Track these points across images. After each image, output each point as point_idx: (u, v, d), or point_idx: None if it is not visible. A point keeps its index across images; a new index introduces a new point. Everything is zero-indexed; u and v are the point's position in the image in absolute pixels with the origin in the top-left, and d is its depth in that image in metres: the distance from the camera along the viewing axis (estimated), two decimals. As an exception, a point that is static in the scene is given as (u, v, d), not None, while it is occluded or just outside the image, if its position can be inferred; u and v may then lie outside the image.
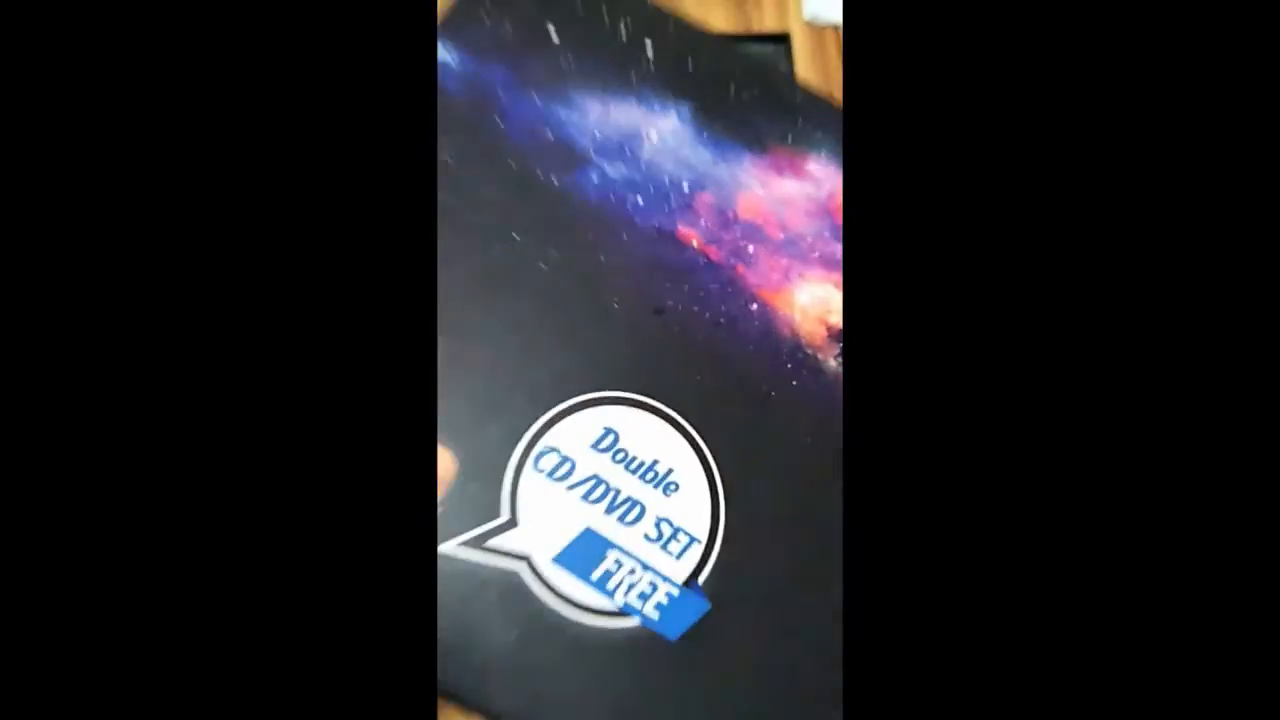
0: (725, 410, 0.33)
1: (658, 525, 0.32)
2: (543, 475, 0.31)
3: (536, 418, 0.32)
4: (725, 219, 0.36)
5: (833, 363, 0.35)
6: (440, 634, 0.29)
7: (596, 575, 0.31)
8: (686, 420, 0.33)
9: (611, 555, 0.31)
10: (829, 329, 0.35)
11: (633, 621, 0.31)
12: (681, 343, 0.34)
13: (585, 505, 0.32)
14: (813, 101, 0.39)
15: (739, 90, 0.37)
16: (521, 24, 0.36)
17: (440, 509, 0.30)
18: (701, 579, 0.32)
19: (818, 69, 0.49)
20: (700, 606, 0.31)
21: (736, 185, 0.36)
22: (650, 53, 0.37)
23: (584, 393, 0.33)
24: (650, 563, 0.32)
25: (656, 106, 0.36)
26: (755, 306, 0.35)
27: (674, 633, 0.31)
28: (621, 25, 0.37)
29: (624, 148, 0.36)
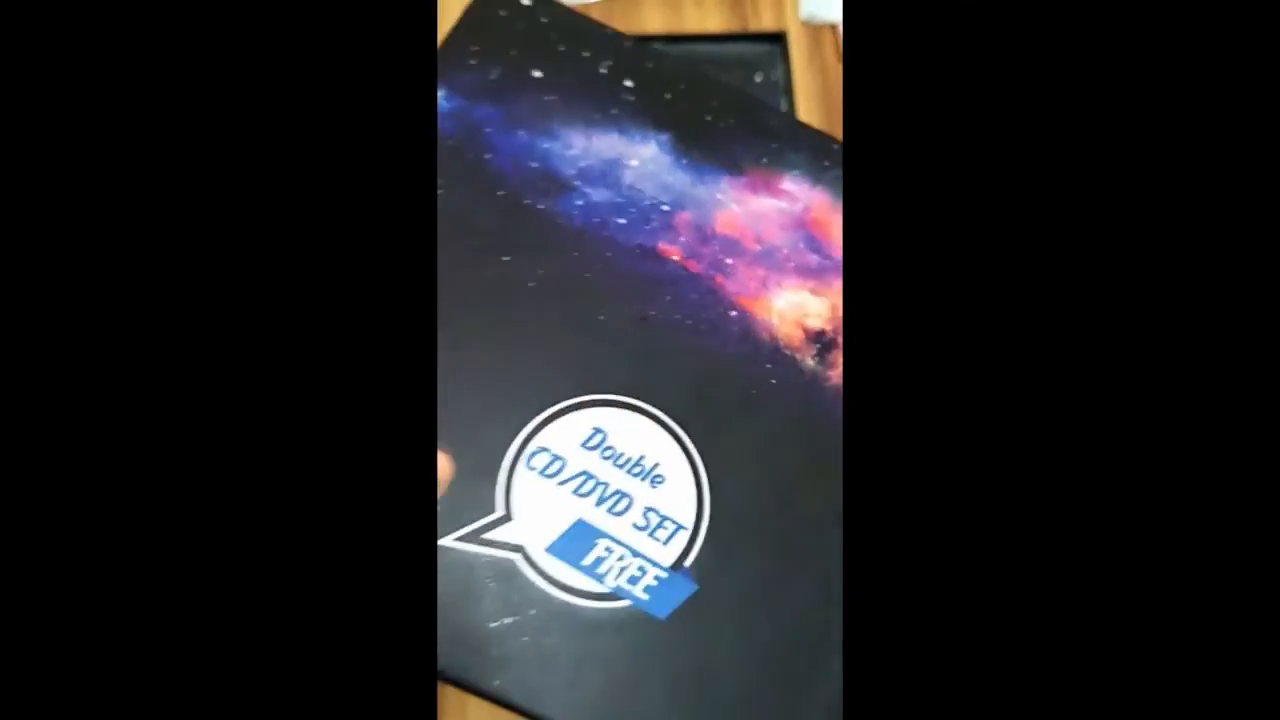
0: (708, 408, 0.36)
1: (645, 514, 0.34)
2: (535, 473, 0.34)
3: (529, 420, 0.35)
4: (704, 235, 0.38)
5: (810, 361, 0.37)
6: (440, 621, 0.32)
7: (588, 561, 0.33)
8: (671, 418, 0.36)
9: (602, 543, 0.34)
10: (806, 331, 0.38)
11: (624, 603, 0.33)
12: (665, 348, 0.36)
13: (576, 499, 0.34)
14: (787, 125, 0.42)
15: (715, 119, 0.41)
16: (508, 67, 0.40)
17: (440, 507, 0.33)
18: (688, 562, 0.34)
19: (815, 68, 0.52)
20: (687, 587, 0.34)
21: (715, 204, 0.39)
22: (630, 88, 0.40)
23: (573, 396, 0.35)
24: (639, 549, 0.34)
25: (637, 136, 0.40)
26: (734, 313, 0.37)
27: (663, 612, 0.33)
28: (601, 65, 0.41)
29: (606, 174, 0.39)
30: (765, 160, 0.40)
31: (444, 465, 0.34)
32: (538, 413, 0.35)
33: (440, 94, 0.39)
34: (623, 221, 0.38)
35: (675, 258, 0.38)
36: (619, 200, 0.38)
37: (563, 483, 0.34)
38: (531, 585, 0.33)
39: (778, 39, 0.54)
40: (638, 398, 0.36)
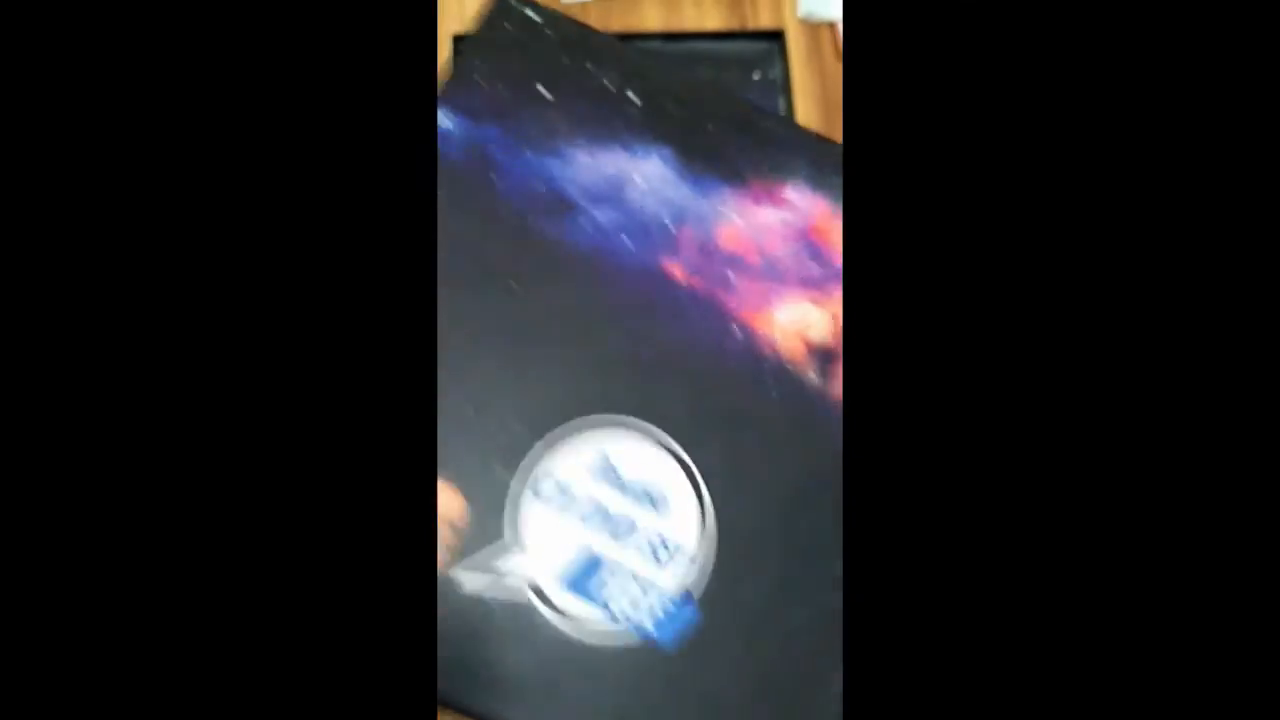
0: (712, 430, 0.37)
1: (651, 541, 0.36)
2: (543, 502, 0.36)
3: (536, 449, 0.36)
4: (707, 251, 0.39)
5: (812, 376, 0.38)
6: (448, 651, 0.34)
7: (595, 591, 0.35)
8: (675, 440, 0.37)
9: (608, 572, 0.35)
10: (808, 344, 0.38)
11: (629, 633, 0.35)
12: (670, 369, 0.37)
13: (583, 527, 0.36)
14: (788, 131, 0.42)
15: (717, 128, 0.41)
16: (513, 85, 0.40)
17: (454, 541, 0.35)
18: (692, 587, 0.35)
19: (813, 67, 0.52)
20: (692, 616, 0.35)
21: (717, 218, 0.39)
22: (634, 100, 0.40)
23: (578, 417, 0.36)
24: (644, 577, 0.35)
25: (640, 151, 0.40)
26: (737, 329, 0.38)
27: (668, 641, 0.35)
28: (606, 77, 0.41)
29: (611, 193, 0.39)
30: (767, 169, 0.40)
31: (454, 502, 0.35)
32: (545, 440, 0.36)
33: (449, 120, 0.39)
34: (628, 241, 0.39)
35: (679, 275, 0.39)
36: (624, 219, 0.39)
37: (570, 511, 0.36)
38: (539, 615, 0.35)
39: (776, 37, 0.54)
40: (642, 419, 0.37)
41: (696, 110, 0.41)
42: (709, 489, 0.36)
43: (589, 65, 0.41)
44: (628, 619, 0.35)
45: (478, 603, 0.35)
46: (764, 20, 0.53)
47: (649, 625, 0.35)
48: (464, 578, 0.35)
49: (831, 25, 0.53)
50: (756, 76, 0.52)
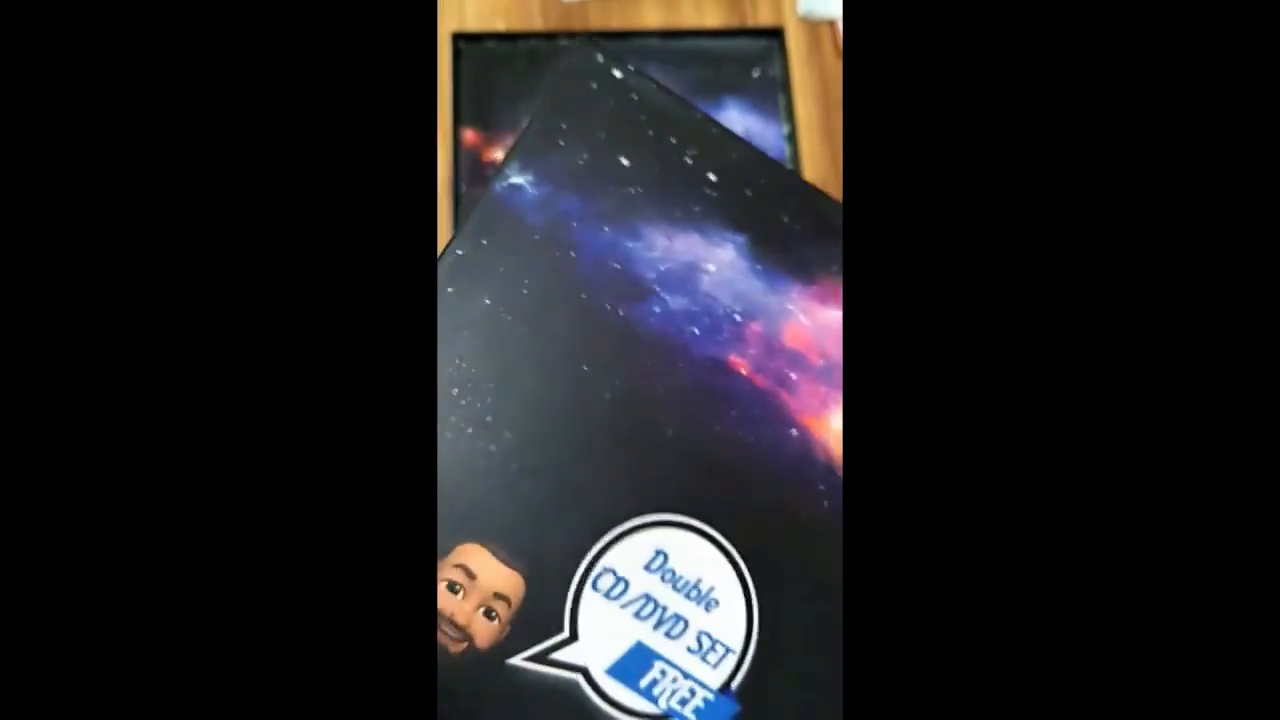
0: (763, 531, 0.38)
1: (699, 638, 0.37)
2: (600, 594, 0.36)
3: (596, 540, 0.37)
4: (772, 348, 0.40)
5: (861, 486, 0.39)
6: None
7: (644, 683, 0.36)
8: (728, 541, 0.38)
9: (657, 665, 0.37)
10: (860, 454, 0.40)
11: (673, 724, 0.36)
12: (728, 467, 0.38)
13: (637, 621, 0.37)
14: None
15: (791, 220, 0.41)
16: (596, 152, 0.40)
17: (508, 627, 0.35)
18: (734, 684, 0.37)
19: (813, 65, 0.52)
20: (731, 708, 0.37)
21: (784, 315, 0.40)
22: (713, 181, 0.41)
23: (638, 516, 0.37)
24: (691, 671, 0.37)
25: (716, 238, 0.40)
26: (795, 432, 0.39)
27: (709, 734, 0.37)
28: (687, 154, 0.41)
29: (685, 280, 0.40)
30: (835, 268, 0.41)
31: (514, 582, 0.36)
32: (605, 533, 0.37)
33: (528, 178, 0.39)
34: (696, 331, 0.39)
35: (744, 371, 0.39)
36: (694, 308, 0.39)
37: (625, 605, 0.37)
38: (591, 704, 0.36)
39: (776, 34, 0.54)
40: (699, 519, 0.38)
41: (773, 199, 0.41)
42: (757, 589, 0.38)
43: (673, 139, 0.41)
44: (672, 712, 0.36)
45: (533, 692, 0.35)
46: (763, 18, 0.53)
47: (691, 718, 0.36)
48: (520, 666, 0.35)
49: (831, 23, 0.54)
50: (756, 74, 0.53)
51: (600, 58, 0.41)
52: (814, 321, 0.41)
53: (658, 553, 0.37)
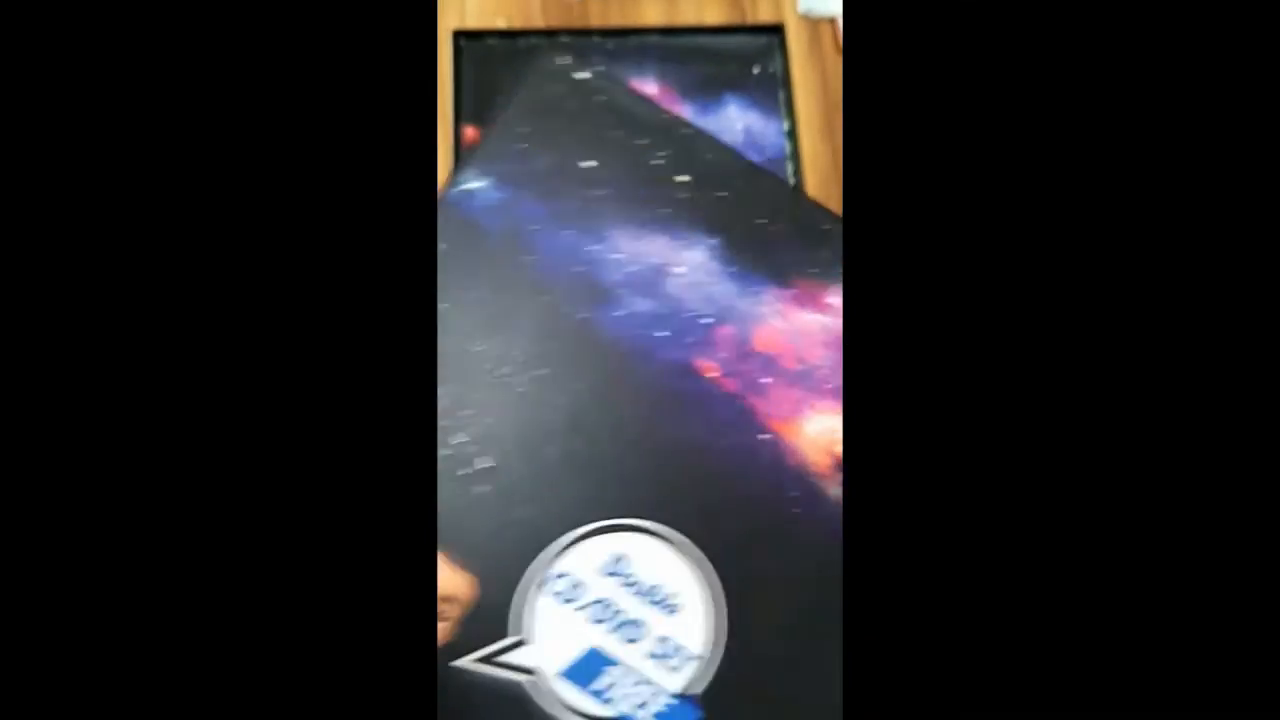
0: (729, 537, 0.38)
1: (658, 643, 0.37)
2: (554, 598, 0.37)
3: (551, 544, 0.37)
4: (743, 352, 0.40)
5: (834, 491, 0.39)
6: None
7: (598, 687, 0.36)
8: (695, 546, 0.38)
9: (614, 670, 0.37)
10: (834, 458, 0.39)
11: (629, 731, 0.36)
12: (694, 472, 0.38)
13: (592, 625, 0.37)
14: (840, 231, 0.42)
15: (769, 221, 0.41)
16: (559, 155, 0.40)
17: (461, 628, 0.36)
18: (697, 690, 0.37)
19: (813, 62, 0.52)
20: (692, 714, 0.37)
21: (757, 318, 0.40)
22: (684, 183, 0.41)
23: (596, 520, 0.37)
24: (649, 676, 0.37)
25: (686, 240, 0.40)
26: (765, 436, 0.39)
27: (666, 741, 0.36)
28: (656, 155, 0.41)
29: (651, 283, 0.40)
30: (814, 271, 0.41)
31: (466, 586, 0.36)
32: (560, 536, 0.37)
33: (486, 183, 0.40)
34: (663, 335, 0.39)
35: (712, 375, 0.39)
36: (661, 312, 0.40)
37: (580, 609, 0.37)
38: (539, 708, 0.36)
39: (776, 31, 0.54)
40: (661, 523, 0.38)
41: (748, 201, 0.41)
42: (725, 594, 0.38)
43: (641, 141, 0.41)
44: (626, 716, 0.36)
45: (480, 693, 0.36)
46: (764, 15, 0.53)
47: (647, 727, 0.36)
48: (469, 668, 0.36)
49: (832, 20, 0.54)
50: (756, 71, 0.52)
51: (566, 60, 0.41)
52: (789, 325, 0.40)
53: (617, 557, 0.37)
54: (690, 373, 0.39)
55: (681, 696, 0.37)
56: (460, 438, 0.38)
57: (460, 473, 0.37)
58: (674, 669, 0.37)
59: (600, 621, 0.37)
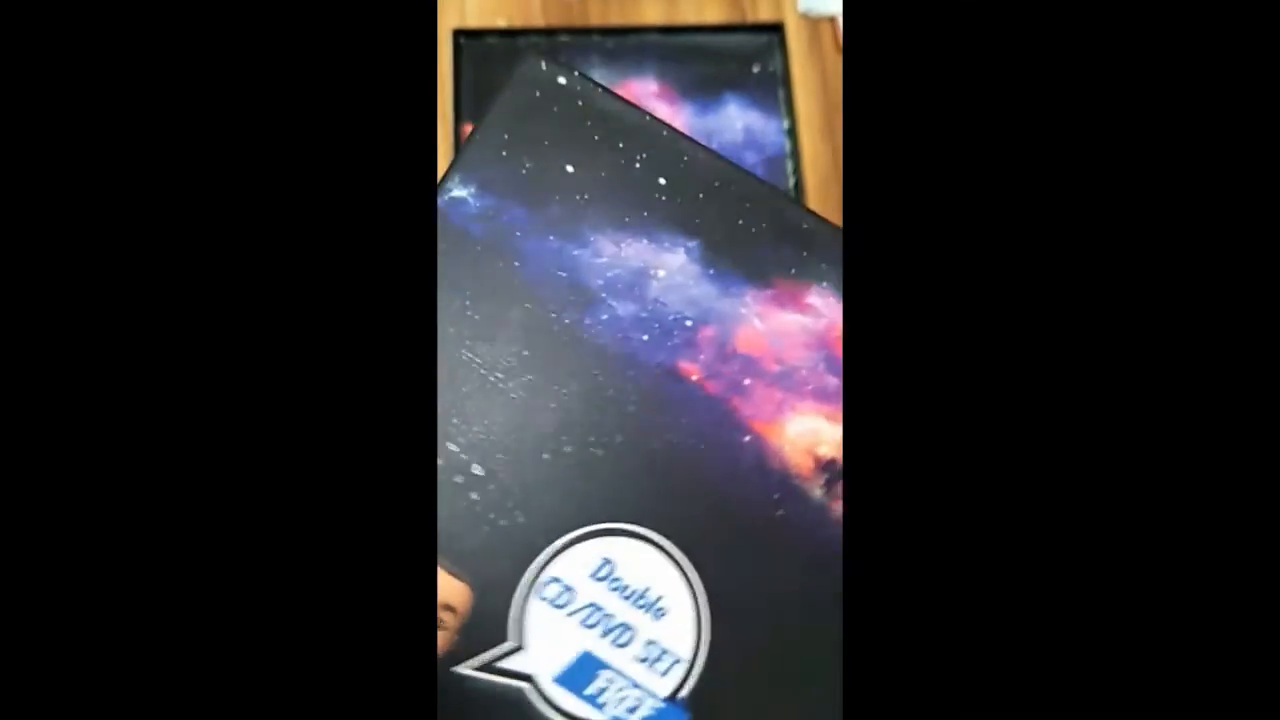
0: (715, 540, 0.39)
1: (647, 647, 0.38)
2: (546, 603, 0.37)
3: (542, 549, 0.38)
4: (725, 354, 0.40)
5: (818, 492, 0.40)
6: None
7: (591, 692, 0.37)
8: (679, 549, 0.38)
9: (605, 675, 0.37)
10: (816, 460, 0.40)
11: (621, 734, 0.37)
12: (679, 475, 0.39)
13: (584, 630, 0.37)
14: (820, 230, 0.43)
15: (748, 222, 0.42)
16: (540, 160, 0.41)
17: (456, 635, 0.36)
18: (683, 694, 0.38)
19: (813, 61, 0.53)
20: (680, 718, 0.37)
21: (738, 320, 0.41)
22: (664, 185, 0.41)
23: (586, 525, 0.38)
24: (638, 680, 0.37)
25: (667, 243, 0.41)
26: (748, 439, 0.40)
27: (657, 744, 0.37)
28: (636, 158, 0.41)
29: (634, 286, 0.40)
30: (793, 271, 0.42)
31: (460, 594, 0.37)
32: (551, 542, 0.38)
33: (470, 190, 0.40)
34: (646, 338, 0.40)
35: (695, 378, 0.40)
36: (644, 314, 0.40)
37: (572, 613, 0.38)
38: (538, 713, 0.37)
39: (776, 29, 0.55)
40: (648, 527, 0.38)
41: (727, 202, 0.42)
42: (707, 597, 0.38)
43: (621, 144, 0.41)
44: (619, 719, 0.37)
45: (478, 700, 0.36)
46: (764, 14, 0.54)
47: (639, 731, 0.37)
48: (465, 675, 0.36)
49: (832, 19, 0.54)
50: (756, 69, 0.53)
51: (544, 65, 0.41)
52: (769, 326, 0.41)
53: (605, 561, 0.38)
54: (675, 375, 0.40)
55: (669, 700, 0.38)
56: (451, 446, 0.38)
57: (454, 480, 0.37)
58: (662, 673, 0.38)
59: (591, 626, 0.38)
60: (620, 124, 0.42)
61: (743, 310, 0.41)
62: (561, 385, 0.39)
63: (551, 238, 0.40)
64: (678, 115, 0.53)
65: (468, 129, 0.47)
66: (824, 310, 0.42)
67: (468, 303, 0.39)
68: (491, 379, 0.39)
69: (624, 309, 0.40)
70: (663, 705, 0.38)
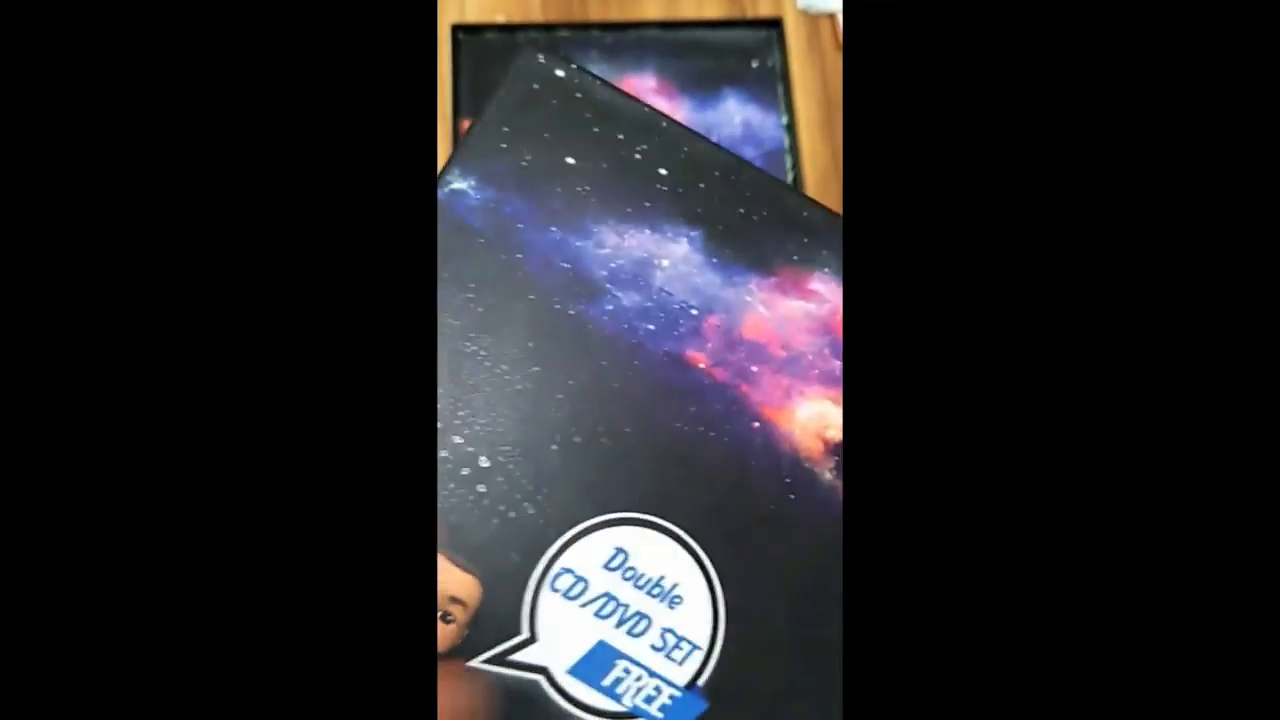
0: (728, 526, 0.39)
1: (663, 635, 0.38)
2: (559, 594, 0.37)
3: (553, 541, 0.38)
4: (731, 341, 0.41)
5: (828, 476, 0.40)
6: None
7: (607, 682, 0.37)
8: (691, 537, 0.39)
9: (621, 664, 0.37)
10: (825, 443, 0.40)
11: (639, 722, 0.37)
12: (690, 463, 0.39)
13: (598, 620, 0.38)
14: (820, 217, 0.43)
15: (749, 211, 0.42)
16: (541, 152, 0.41)
17: (466, 629, 0.37)
18: (701, 682, 0.38)
19: (813, 56, 0.53)
20: (698, 706, 0.38)
21: (743, 307, 0.41)
22: (664, 176, 0.42)
23: (597, 515, 0.38)
24: (655, 669, 0.38)
25: (669, 232, 0.41)
26: (757, 425, 0.40)
27: (675, 732, 0.37)
28: (636, 149, 0.42)
29: (637, 276, 0.41)
30: (795, 258, 0.42)
31: (471, 587, 0.37)
32: (562, 533, 0.38)
33: (470, 183, 0.40)
34: (652, 327, 0.40)
35: (702, 365, 0.40)
36: (648, 304, 0.40)
37: (585, 604, 0.38)
38: (554, 705, 0.37)
39: (775, 25, 0.55)
40: (660, 516, 0.39)
41: (728, 191, 0.42)
42: (722, 584, 0.39)
43: (620, 135, 0.42)
44: (637, 710, 0.37)
45: (492, 693, 0.36)
46: (763, 9, 0.55)
47: (658, 715, 0.37)
48: (479, 668, 0.37)
49: (831, 15, 0.55)
50: (755, 65, 0.54)
51: (541, 58, 0.42)
52: (774, 313, 0.41)
53: (617, 551, 0.38)
54: (682, 364, 0.40)
55: (688, 688, 0.38)
56: (457, 439, 0.38)
57: (461, 473, 0.38)
58: (679, 661, 0.38)
59: (605, 616, 0.38)
60: (619, 116, 0.42)
61: (747, 298, 0.41)
62: (568, 376, 0.39)
63: (554, 229, 0.41)
64: (677, 110, 0.54)
65: (466, 124, 0.48)
66: (827, 296, 0.42)
67: (471, 295, 0.39)
68: (497, 371, 0.39)
69: (629, 299, 0.41)
70: (681, 693, 0.38)
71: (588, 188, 0.41)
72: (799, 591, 0.39)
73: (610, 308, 0.40)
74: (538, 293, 0.40)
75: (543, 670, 0.37)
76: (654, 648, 0.38)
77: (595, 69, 0.54)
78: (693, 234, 0.42)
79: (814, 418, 0.41)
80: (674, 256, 0.41)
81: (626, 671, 0.38)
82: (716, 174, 0.42)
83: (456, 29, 0.53)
